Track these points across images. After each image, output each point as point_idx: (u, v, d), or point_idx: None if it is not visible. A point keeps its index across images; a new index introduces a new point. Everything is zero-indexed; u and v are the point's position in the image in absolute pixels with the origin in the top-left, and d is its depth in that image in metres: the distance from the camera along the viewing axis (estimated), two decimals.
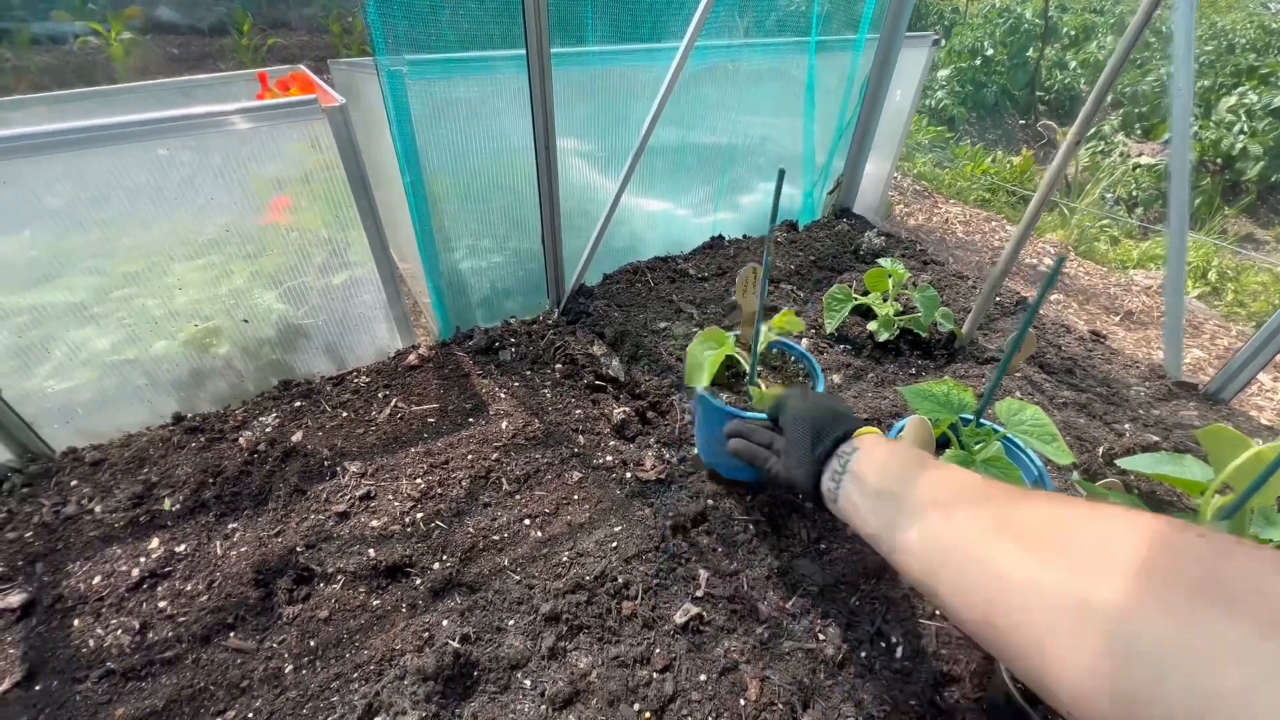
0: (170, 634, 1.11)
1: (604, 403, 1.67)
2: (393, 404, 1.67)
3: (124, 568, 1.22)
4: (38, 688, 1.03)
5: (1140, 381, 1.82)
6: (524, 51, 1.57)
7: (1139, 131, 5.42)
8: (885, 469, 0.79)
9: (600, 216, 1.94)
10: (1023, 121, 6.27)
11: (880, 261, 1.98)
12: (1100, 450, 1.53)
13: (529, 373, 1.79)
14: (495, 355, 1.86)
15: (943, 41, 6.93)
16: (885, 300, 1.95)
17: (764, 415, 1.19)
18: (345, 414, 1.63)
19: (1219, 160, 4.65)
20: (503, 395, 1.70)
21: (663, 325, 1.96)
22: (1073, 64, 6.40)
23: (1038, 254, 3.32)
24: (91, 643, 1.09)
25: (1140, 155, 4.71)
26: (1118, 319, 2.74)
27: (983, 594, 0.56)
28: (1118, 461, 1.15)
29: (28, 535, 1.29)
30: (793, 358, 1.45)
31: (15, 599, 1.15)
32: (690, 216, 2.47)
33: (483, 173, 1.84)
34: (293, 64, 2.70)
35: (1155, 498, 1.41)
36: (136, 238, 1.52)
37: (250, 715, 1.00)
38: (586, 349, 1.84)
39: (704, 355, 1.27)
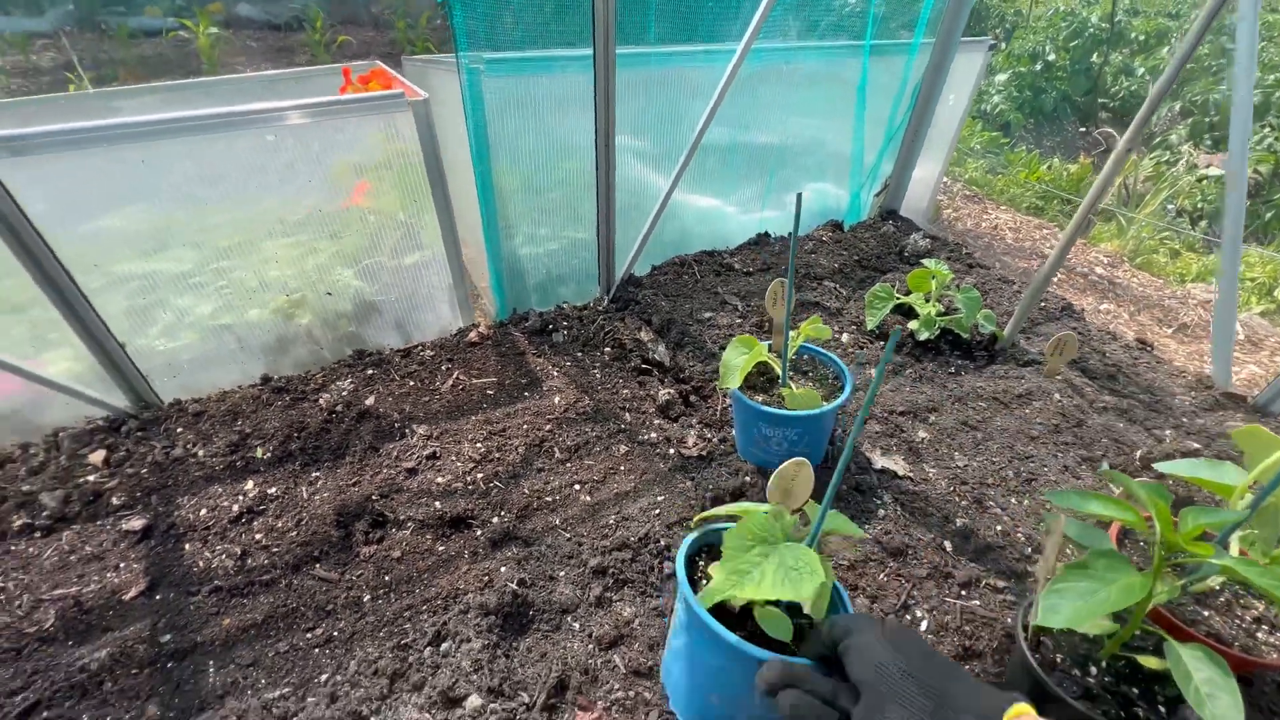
0: (266, 561, 1.26)
1: (650, 385, 1.77)
2: (455, 376, 1.81)
3: (225, 503, 1.38)
4: (158, 597, 1.20)
5: (1186, 391, 1.81)
6: (590, 51, 1.68)
7: (1209, 142, 5.21)
8: None
9: (652, 210, 2.04)
10: (1082, 129, 6.09)
11: (924, 262, 2.01)
12: (1138, 454, 1.55)
13: (580, 354, 1.90)
14: (549, 336, 1.98)
15: (1001, 46, 6.77)
16: (927, 300, 1.99)
17: (799, 414, 1.26)
18: (412, 383, 1.78)
19: None
20: (555, 373, 1.82)
21: (707, 315, 2.04)
22: (1140, 70, 6.17)
23: (1089, 263, 3.27)
24: (201, 563, 1.25)
25: (1209, 166, 4.54)
26: (1170, 331, 2.69)
27: None
28: (1155, 465, 1.18)
29: (143, 471, 1.47)
30: (821, 362, 1.54)
31: (137, 523, 1.33)
32: (738, 213, 2.55)
33: (544, 166, 1.96)
34: (362, 58, 2.87)
35: (1191, 502, 1.42)
36: (238, 215, 1.69)
37: (335, 633, 1.14)
38: (635, 334, 1.94)
39: (737, 359, 1.36)
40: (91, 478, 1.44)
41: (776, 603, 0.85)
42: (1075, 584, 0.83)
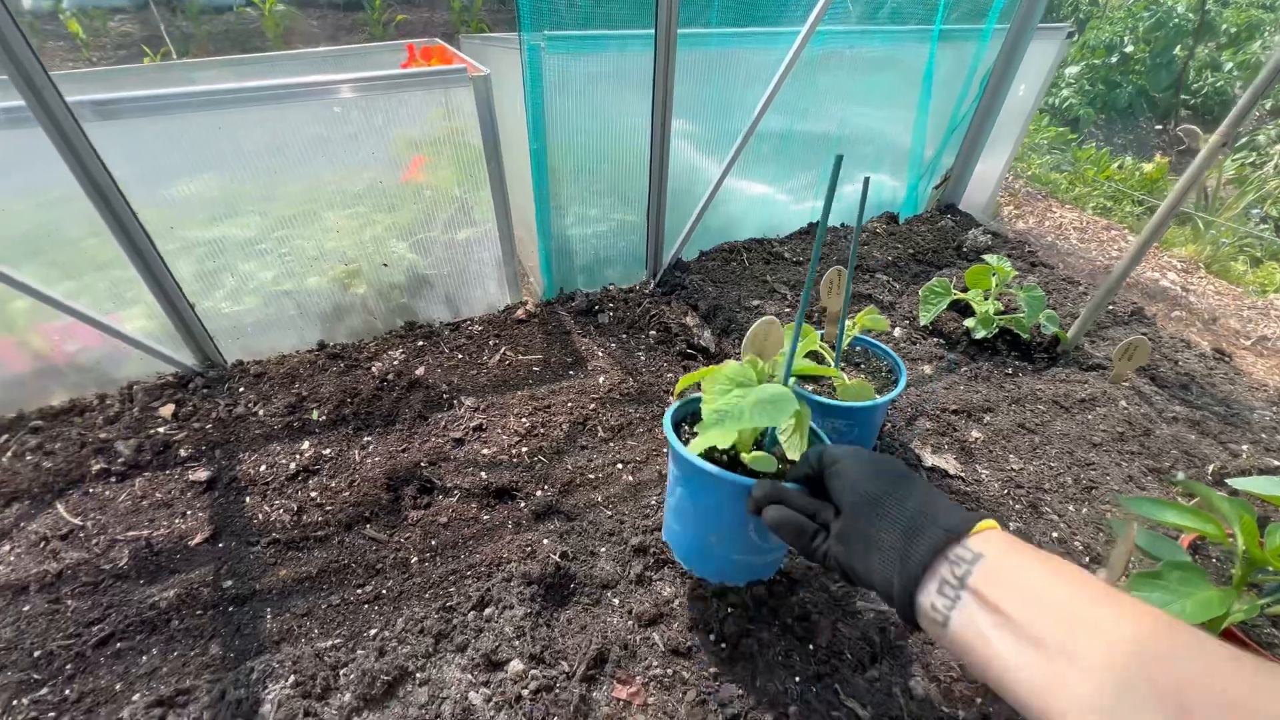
0: (320, 518, 1.31)
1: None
2: (502, 351, 1.83)
3: (283, 461, 1.44)
4: (220, 545, 1.26)
5: (1267, 406, 1.70)
6: (652, 31, 1.66)
7: None
8: (1042, 600, 0.53)
9: (703, 195, 2.01)
10: (1159, 126, 5.73)
11: (985, 258, 1.94)
12: (1211, 468, 1.46)
13: (625, 336, 1.90)
14: (594, 317, 1.98)
15: (1075, 36, 6.42)
16: (986, 298, 1.92)
17: (850, 405, 1.22)
18: (461, 356, 1.81)
19: None
20: (600, 354, 1.83)
21: (755, 303, 2.02)
22: (1228, 65, 5.76)
23: (1161, 267, 3.09)
24: (260, 516, 1.31)
25: None
26: (1249, 343, 2.52)
27: None
28: (1229, 481, 1.12)
29: (208, 427, 1.54)
30: (875, 354, 1.49)
31: (203, 474, 1.39)
32: (790, 202, 2.49)
33: (598, 146, 1.95)
34: (419, 36, 2.91)
35: (1267, 522, 1.34)
36: (301, 185, 1.74)
37: (384, 591, 1.17)
38: (680, 319, 1.93)
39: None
40: (161, 430, 1.52)
41: (759, 446, 0.95)
42: (1147, 594, 0.79)
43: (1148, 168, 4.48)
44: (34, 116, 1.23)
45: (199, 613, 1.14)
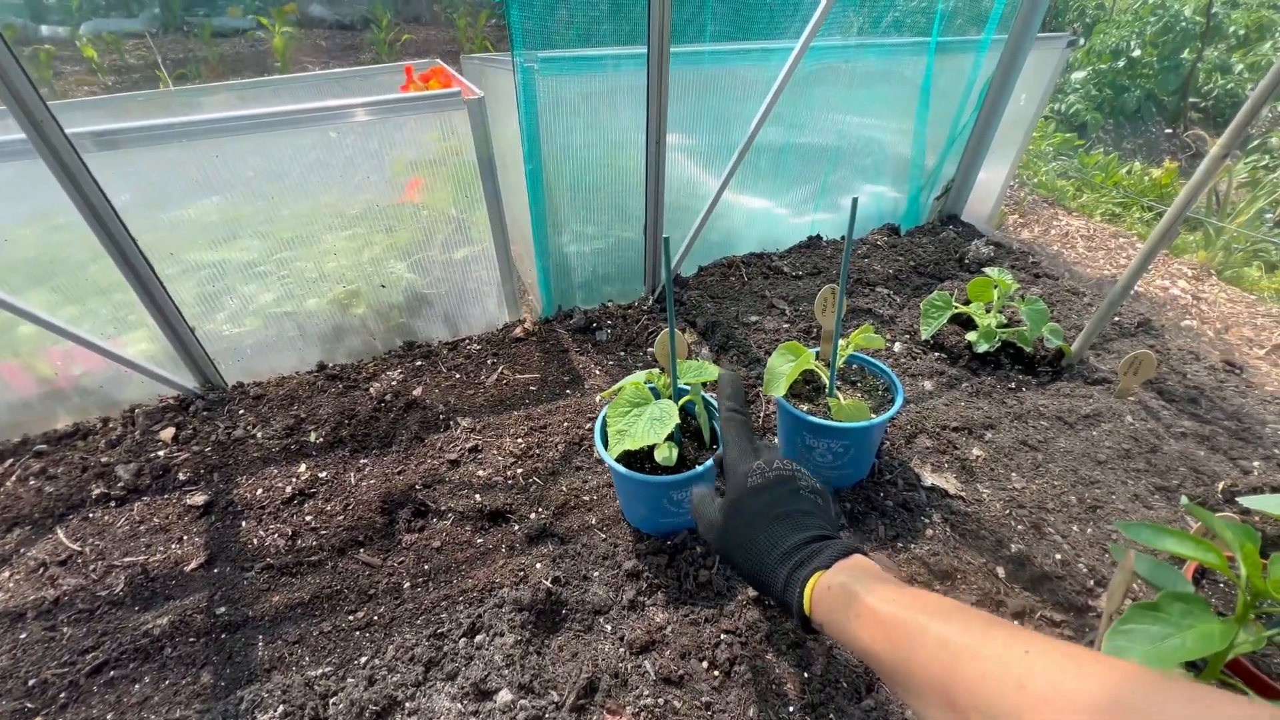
0: (314, 543, 1.31)
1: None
2: (499, 371, 1.83)
3: (279, 484, 1.44)
4: (215, 570, 1.26)
5: (1279, 420, 1.66)
6: (645, 50, 1.67)
7: None
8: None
9: (700, 210, 2.01)
10: (1169, 130, 5.66)
11: (986, 270, 1.91)
12: (1220, 486, 1.42)
13: (623, 353, 1.90)
14: (592, 335, 1.98)
15: (1081, 41, 6.38)
16: (988, 311, 1.89)
17: (846, 425, 1.24)
18: (458, 375, 1.81)
19: None
20: (598, 372, 1.82)
21: (754, 319, 2.00)
22: (1239, 67, 5.69)
23: (1170, 275, 3.04)
24: (255, 541, 1.31)
25: None
26: (1263, 352, 2.47)
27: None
28: (1240, 499, 1.09)
29: (207, 450, 1.55)
30: (871, 372, 1.47)
31: (199, 498, 1.40)
32: (789, 215, 2.49)
33: (594, 164, 1.96)
34: (424, 57, 2.95)
35: (1276, 543, 1.30)
36: (300, 208, 1.76)
37: (375, 618, 1.17)
38: (678, 333, 1.92)
39: (783, 367, 1.32)
40: (161, 453, 1.54)
41: (671, 438, 1.19)
42: (1145, 627, 0.76)
43: (1157, 172, 4.43)
44: (34, 149, 1.25)
45: (192, 640, 1.14)
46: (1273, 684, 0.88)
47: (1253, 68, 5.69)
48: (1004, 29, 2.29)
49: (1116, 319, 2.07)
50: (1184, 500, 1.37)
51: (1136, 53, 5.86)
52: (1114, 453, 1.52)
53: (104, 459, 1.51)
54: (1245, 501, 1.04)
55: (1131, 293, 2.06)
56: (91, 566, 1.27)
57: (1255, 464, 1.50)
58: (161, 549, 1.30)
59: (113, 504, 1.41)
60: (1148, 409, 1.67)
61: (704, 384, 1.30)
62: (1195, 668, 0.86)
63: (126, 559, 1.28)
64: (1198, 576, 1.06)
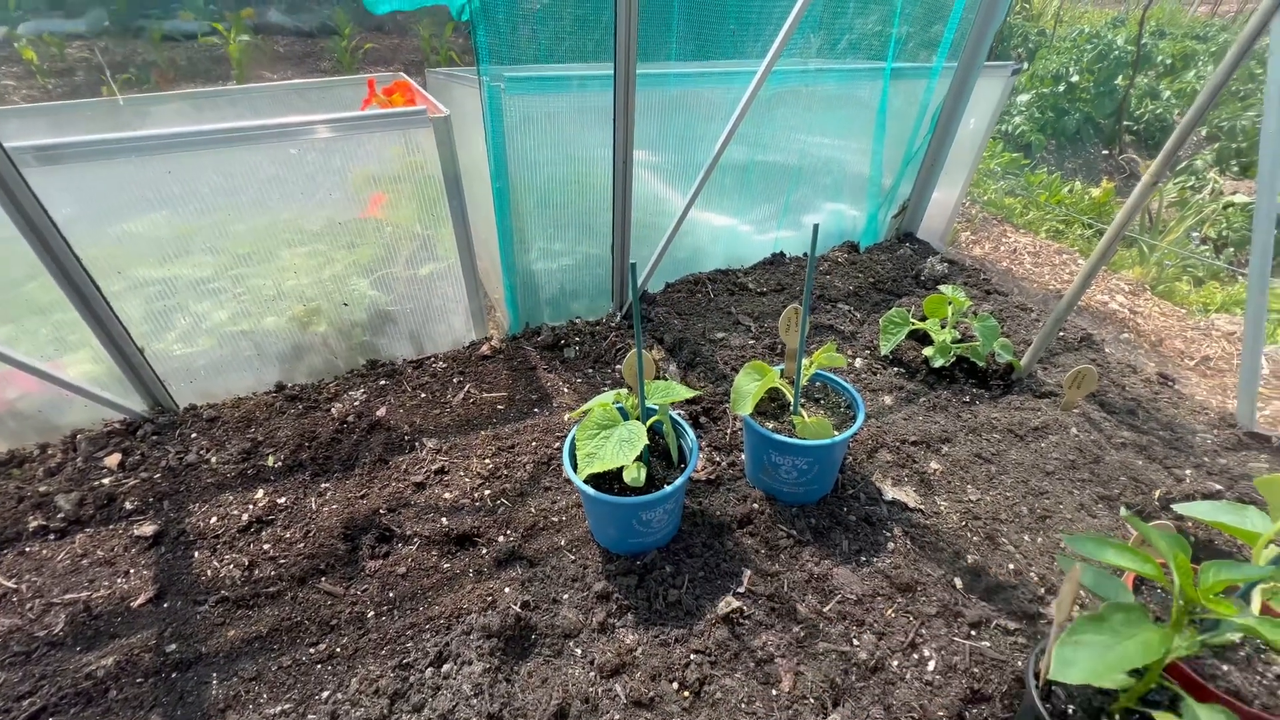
0: (272, 573, 1.26)
1: None
2: (466, 389, 1.81)
3: (235, 512, 1.39)
4: (165, 605, 1.21)
5: (1208, 429, 1.77)
6: (611, 70, 1.69)
7: (1235, 168, 5.13)
8: None
9: (667, 228, 2.04)
10: (1106, 151, 6.02)
11: (941, 288, 1.99)
12: (1157, 494, 1.51)
13: (590, 370, 1.90)
14: (560, 352, 1.98)
15: (1025, 67, 6.72)
16: (943, 327, 1.97)
17: (809, 443, 1.28)
18: (424, 395, 1.78)
19: None
20: (566, 389, 1.82)
21: (720, 335, 2.04)
22: (1166, 93, 6.10)
23: (1110, 290, 3.22)
24: (209, 573, 1.26)
25: (1235, 194, 4.46)
26: (1192, 364, 2.63)
27: None
28: (1175, 506, 1.15)
29: (156, 477, 1.48)
30: (834, 390, 1.52)
31: (148, 529, 1.34)
32: (753, 233, 2.54)
33: (561, 182, 1.97)
34: (388, 67, 2.92)
35: (1212, 546, 1.39)
36: (258, 223, 1.71)
37: (338, 649, 1.14)
38: (646, 352, 1.93)
39: (749, 386, 1.34)
40: (106, 481, 1.46)
41: (640, 458, 1.23)
42: (1091, 637, 0.80)
43: (1095, 192, 4.69)
44: None
45: (139, 680, 1.08)
46: (1206, 686, 0.94)
47: (1179, 94, 6.10)
48: (954, 56, 2.41)
49: (1061, 334, 2.18)
50: (1123, 511, 1.45)
51: (1075, 78, 6.21)
52: (1061, 464, 1.60)
53: (42, 488, 1.43)
54: (1180, 509, 1.10)
55: (1075, 307, 2.17)
56: (28, 605, 1.19)
57: (1188, 472, 1.59)
58: (106, 584, 1.24)
59: (52, 536, 1.34)
60: (1091, 421, 1.76)
61: (671, 403, 1.32)
62: (1138, 674, 0.91)
63: (67, 595, 1.21)
64: (1138, 584, 1.12)
